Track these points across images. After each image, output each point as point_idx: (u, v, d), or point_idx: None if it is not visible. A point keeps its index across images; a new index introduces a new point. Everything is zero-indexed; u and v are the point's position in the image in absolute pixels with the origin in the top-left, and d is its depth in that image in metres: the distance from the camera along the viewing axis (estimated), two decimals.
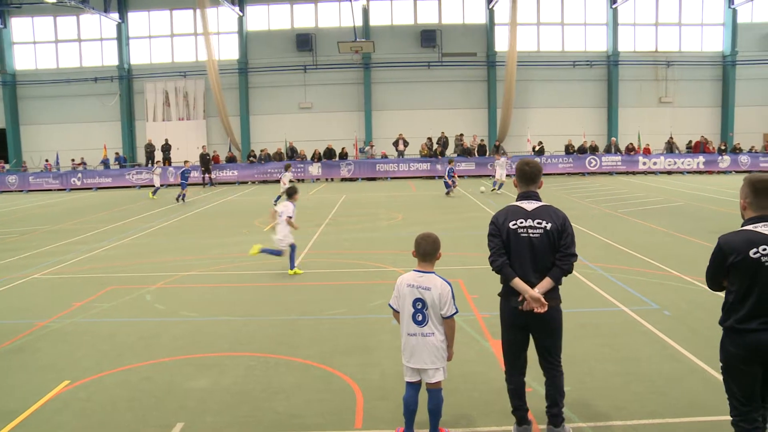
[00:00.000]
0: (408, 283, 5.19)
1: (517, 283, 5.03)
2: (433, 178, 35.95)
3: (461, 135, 38.12)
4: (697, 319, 8.60)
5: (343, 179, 36.76)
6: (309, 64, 39.73)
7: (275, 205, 23.10)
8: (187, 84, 40.29)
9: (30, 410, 6.24)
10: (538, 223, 5.05)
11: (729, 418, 4.56)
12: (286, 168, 24.82)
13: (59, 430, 5.87)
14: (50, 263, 14.01)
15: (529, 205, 5.15)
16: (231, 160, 37.90)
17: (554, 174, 35.36)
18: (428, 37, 39.21)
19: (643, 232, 16.16)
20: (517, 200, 5.26)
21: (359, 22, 38.15)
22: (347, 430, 5.71)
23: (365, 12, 39.18)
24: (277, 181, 35.90)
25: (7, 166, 39.05)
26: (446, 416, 5.57)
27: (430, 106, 40.03)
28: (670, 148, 37.93)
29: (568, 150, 37.31)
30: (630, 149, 37.28)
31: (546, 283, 5.01)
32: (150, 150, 38.04)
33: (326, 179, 37.13)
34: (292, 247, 12.24)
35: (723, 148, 37.43)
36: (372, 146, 38.39)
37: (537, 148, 37.06)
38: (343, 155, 37.36)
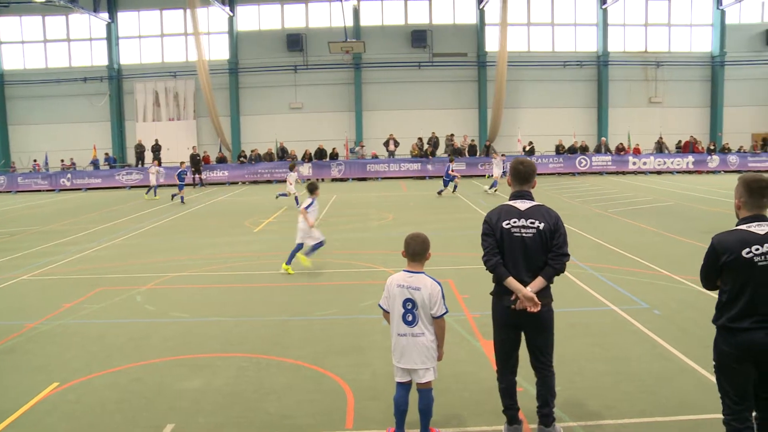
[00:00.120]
0: (398, 283, 5.19)
1: (511, 282, 5.04)
2: (423, 178, 36.00)
3: (452, 135, 38.16)
4: (686, 318, 8.64)
5: (334, 179, 36.74)
6: (299, 64, 39.68)
7: (277, 197, 23.43)
8: (178, 84, 40.16)
9: (18, 412, 6.21)
10: (531, 222, 5.07)
11: (718, 416, 4.59)
12: (291, 168, 24.72)
13: None
14: (40, 264, 13.94)
15: (523, 205, 5.16)
16: (221, 160, 37.82)
17: (545, 174, 35.42)
18: (419, 37, 39.22)
19: (633, 231, 16.23)
20: (510, 199, 5.27)
21: (350, 23, 38.13)
22: (338, 431, 5.70)
23: (356, 12, 39.17)
24: (269, 182, 36.09)
25: None
26: (437, 416, 5.57)
27: (420, 107, 40.05)
28: (660, 148, 38.13)
29: (559, 150, 37.46)
30: (620, 149, 37.45)
31: (539, 282, 5.02)
32: (140, 150, 37.91)
33: (317, 179, 37.04)
34: (299, 246, 12.32)
35: (712, 148, 37.67)
36: (362, 146, 38.38)
37: (527, 148, 37.14)
38: (334, 156, 37.34)
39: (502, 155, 30.34)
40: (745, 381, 4.36)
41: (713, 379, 6.30)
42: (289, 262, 12.26)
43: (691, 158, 36.95)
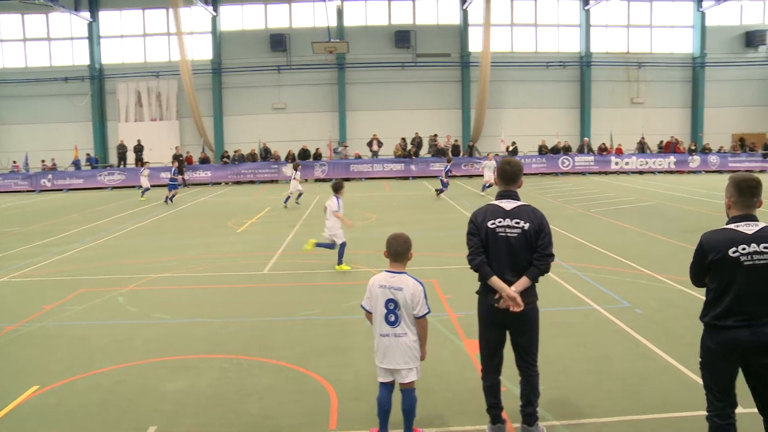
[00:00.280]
0: (380, 283, 5.19)
1: (495, 281, 5.04)
2: (407, 178, 36.01)
3: (435, 135, 38.20)
4: (668, 317, 8.69)
5: (318, 180, 36.66)
6: (283, 64, 39.59)
7: (285, 205, 23.31)
8: (160, 84, 39.91)
9: None
10: (516, 222, 5.08)
11: (699, 414, 4.63)
12: (295, 167, 24.60)
13: None
14: (20, 266, 13.78)
15: (508, 205, 5.17)
16: (204, 161, 37.63)
17: (528, 174, 35.41)
18: (402, 37, 39.25)
19: (616, 231, 16.33)
20: (496, 199, 5.28)
21: (333, 23, 38.08)
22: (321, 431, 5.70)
23: (339, 12, 39.14)
24: (252, 182, 35.95)
25: None
26: (420, 416, 5.56)
27: (404, 107, 40.08)
28: (642, 148, 38.44)
29: (542, 150, 37.63)
30: (602, 149, 37.73)
31: (523, 282, 5.03)
32: (122, 151, 37.63)
33: (301, 180, 36.91)
34: (343, 244, 12.44)
35: (693, 148, 38.03)
36: (346, 146, 38.33)
37: (511, 149, 37.27)
38: (317, 156, 37.25)
39: (496, 155, 30.43)
40: (730, 379, 4.42)
41: (694, 377, 6.39)
42: (340, 262, 12.41)
43: (672, 158, 37.27)
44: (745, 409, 4.81)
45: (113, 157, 39.27)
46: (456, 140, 38.85)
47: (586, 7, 39.74)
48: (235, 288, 11.38)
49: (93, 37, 39.73)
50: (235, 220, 20.17)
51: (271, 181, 36.24)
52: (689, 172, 36.81)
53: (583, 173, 36.84)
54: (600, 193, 26.11)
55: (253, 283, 11.66)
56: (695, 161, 37.10)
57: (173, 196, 26.44)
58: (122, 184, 35.52)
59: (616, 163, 37.14)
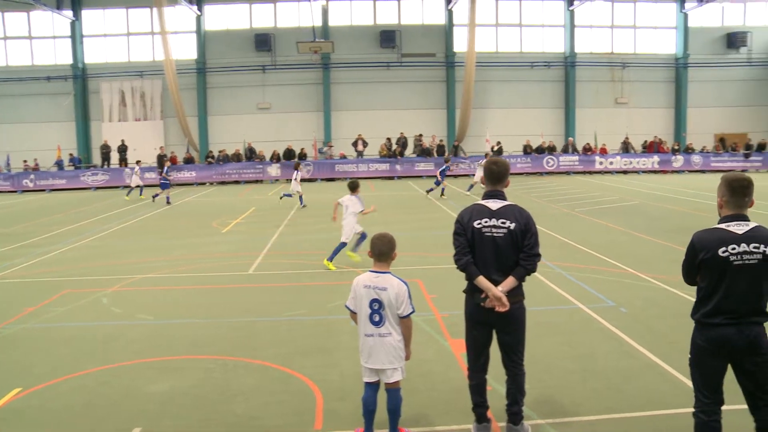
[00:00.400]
0: (364, 284, 5.19)
1: (481, 281, 5.06)
2: (392, 178, 36.03)
3: (420, 135, 38.26)
4: (652, 315, 8.75)
5: (302, 180, 36.48)
6: (268, 64, 39.47)
7: (283, 198, 23.30)
8: (144, 84, 39.65)
9: None
10: (502, 222, 5.08)
11: (684, 411, 4.69)
12: (296, 167, 24.49)
13: None
14: (1, 267, 13.64)
15: (494, 204, 5.18)
16: (189, 161, 37.44)
17: (512, 174, 35.25)
18: (387, 37, 39.25)
19: (600, 230, 16.42)
20: (482, 199, 5.29)
21: (318, 22, 37.99)
22: None
23: (324, 12, 39.05)
24: (237, 182, 35.82)
25: None
26: (405, 416, 5.57)
27: (389, 107, 40.06)
28: (626, 148, 38.72)
29: (526, 150, 37.77)
30: (587, 149, 37.95)
31: (509, 281, 5.04)
32: (106, 151, 37.34)
33: (286, 180, 36.85)
34: (342, 243, 12.46)
35: (676, 148, 38.35)
36: (331, 146, 38.27)
37: (495, 149, 37.35)
38: (302, 156, 37.13)
39: (486, 153, 30.49)
40: (718, 376, 4.47)
41: (678, 375, 6.45)
42: (331, 258, 12.41)
43: (656, 158, 37.57)
44: (733, 405, 4.84)
45: (97, 158, 38.95)
46: (441, 140, 38.89)
47: (571, 8, 39.91)
48: (220, 288, 11.34)
49: (76, 36, 39.38)
50: (220, 221, 20.09)
51: (256, 182, 36.16)
52: (673, 171, 37.09)
53: (567, 173, 37.02)
54: (584, 192, 26.24)
55: (238, 284, 11.62)
56: (678, 161, 37.41)
57: (162, 195, 26.28)
58: (106, 184, 35.26)
59: (601, 163, 37.36)
